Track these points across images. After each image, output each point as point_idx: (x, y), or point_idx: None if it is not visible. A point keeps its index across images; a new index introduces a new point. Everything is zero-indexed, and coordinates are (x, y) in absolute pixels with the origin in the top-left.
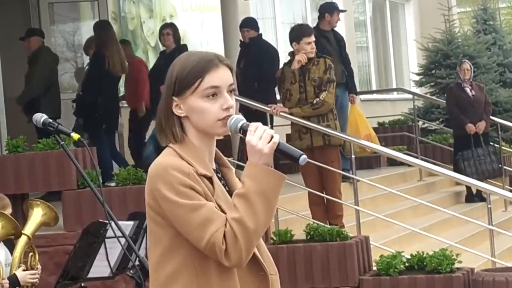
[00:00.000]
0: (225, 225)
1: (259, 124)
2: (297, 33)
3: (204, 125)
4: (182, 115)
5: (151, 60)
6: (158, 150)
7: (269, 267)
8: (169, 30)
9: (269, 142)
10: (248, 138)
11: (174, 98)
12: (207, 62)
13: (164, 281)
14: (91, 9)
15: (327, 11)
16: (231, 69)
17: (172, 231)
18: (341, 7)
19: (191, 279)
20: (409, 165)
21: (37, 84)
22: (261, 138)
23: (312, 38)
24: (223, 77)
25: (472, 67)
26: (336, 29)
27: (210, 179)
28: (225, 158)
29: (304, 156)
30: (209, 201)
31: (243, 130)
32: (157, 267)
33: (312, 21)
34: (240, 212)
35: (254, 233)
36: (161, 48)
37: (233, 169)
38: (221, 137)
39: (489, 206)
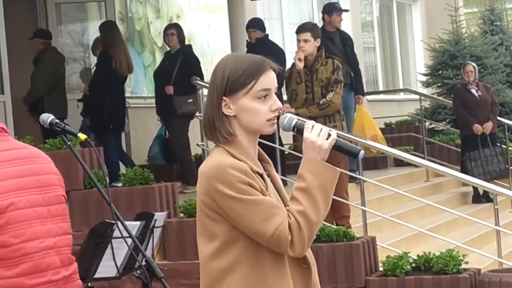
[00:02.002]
0: (288, 217)
1: (314, 122)
2: (296, 30)
3: (254, 124)
4: (231, 114)
5: (158, 60)
6: (164, 150)
7: (310, 258)
8: (173, 30)
9: (327, 139)
10: (307, 135)
11: (224, 98)
12: (260, 64)
13: (219, 274)
14: (98, 9)
15: (326, 12)
16: (275, 73)
17: (228, 226)
18: (348, 8)
19: (247, 271)
20: (415, 166)
21: (40, 85)
22: (319, 135)
23: (304, 36)
24: (273, 80)
25: (476, 68)
26: (342, 29)
27: (261, 175)
28: (264, 153)
29: (362, 152)
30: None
31: (298, 128)
32: (211, 260)
33: (319, 21)
34: (303, 205)
35: (316, 224)
36: (168, 48)
37: (271, 163)
38: None
39: (496, 207)
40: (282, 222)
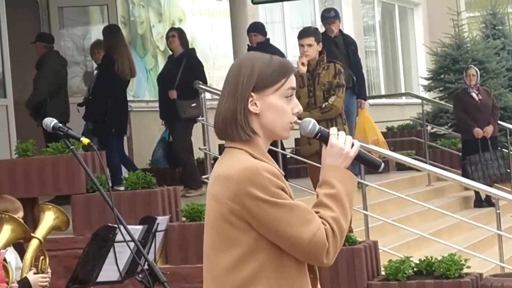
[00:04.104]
0: (323, 223)
1: (336, 129)
2: (298, 35)
3: (277, 124)
4: (256, 112)
5: (161, 64)
6: (167, 153)
7: (316, 268)
8: (174, 32)
9: (350, 147)
10: (335, 141)
11: (252, 93)
12: (288, 64)
13: (242, 284)
14: (100, 13)
15: (321, 20)
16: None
17: (254, 235)
18: (350, 12)
19: (272, 281)
20: (417, 170)
21: (42, 88)
22: (345, 143)
23: (307, 41)
24: (295, 81)
25: (478, 72)
26: (347, 33)
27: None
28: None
29: (383, 164)
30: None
31: (322, 135)
32: (231, 271)
33: (320, 25)
34: (336, 212)
35: (345, 231)
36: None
37: None
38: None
39: (498, 211)
40: (319, 227)
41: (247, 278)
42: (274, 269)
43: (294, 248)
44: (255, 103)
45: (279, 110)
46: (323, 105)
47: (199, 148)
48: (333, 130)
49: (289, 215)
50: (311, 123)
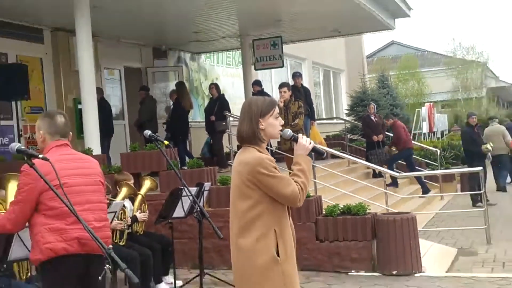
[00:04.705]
0: (297, 185)
1: (301, 134)
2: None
3: (273, 134)
4: (263, 128)
5: (206, 102)
6: (209, 150)
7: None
8: (213, 85)
9: (309, 144)
10: (301, 141)
11: (260, 119)
12: (274, 100)
13: (252, 219)
14: (174, 75)
15: (292, 77)
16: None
17: (260, 192)
18: (306, 74)
19: (269, 217)
20: (342, 158)
21: (143, 116)
22: (306, 142)
23: (283, 89)
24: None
25: (375, 106)
26: (305, 85)
27: None
28: None
29: (326, 154)
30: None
31: (294, 137)
32: (247, 211)
33: (291, 80)
34: (303, 178)
35: (307, 189)
36: (211, 96)
37: None
38: None
39: (384, 180)
40: (295, 187)
41: (256, 215)
42: (271, 210)
43: (282, 198)
44: (261, 123)
45: (274, 125)
46: (292, 124)
47: (226, 147)
48: (300, 135)
49: (280, 182)
50: (288, 131)
